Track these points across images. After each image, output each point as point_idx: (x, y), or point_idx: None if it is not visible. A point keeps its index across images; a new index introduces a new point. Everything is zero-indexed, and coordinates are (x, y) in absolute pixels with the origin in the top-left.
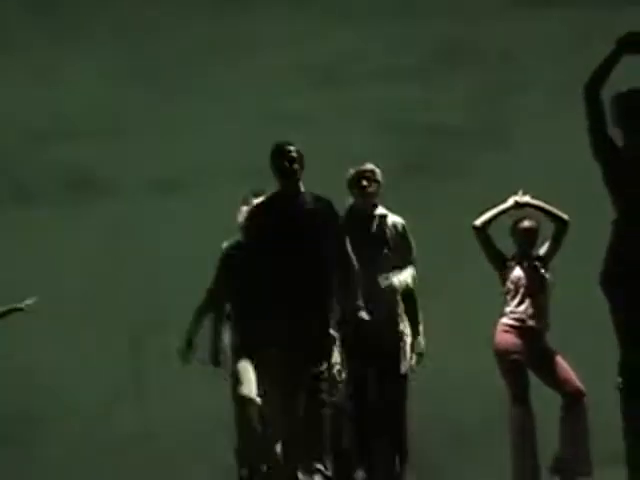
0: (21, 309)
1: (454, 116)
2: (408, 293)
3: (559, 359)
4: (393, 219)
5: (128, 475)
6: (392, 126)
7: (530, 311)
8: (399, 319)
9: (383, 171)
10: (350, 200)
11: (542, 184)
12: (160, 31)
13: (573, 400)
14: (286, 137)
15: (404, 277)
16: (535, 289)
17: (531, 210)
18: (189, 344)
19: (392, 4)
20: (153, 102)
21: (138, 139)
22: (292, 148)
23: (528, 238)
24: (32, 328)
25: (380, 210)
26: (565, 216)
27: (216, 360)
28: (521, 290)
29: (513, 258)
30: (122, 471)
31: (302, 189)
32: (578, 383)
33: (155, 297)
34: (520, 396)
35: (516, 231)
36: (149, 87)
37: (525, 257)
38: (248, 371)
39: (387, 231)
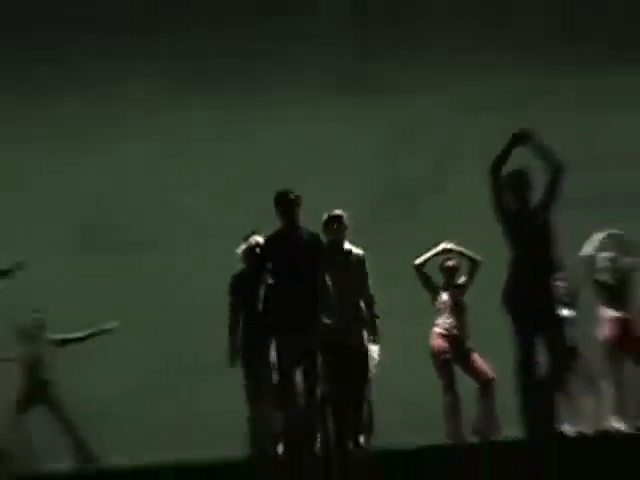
0: (109, 330)
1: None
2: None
3: (476, 356)
4: (356, 252)
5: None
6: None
7: (454, 324)
8: (366, 330)
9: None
10: (325, 237)
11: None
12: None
13: (485, 385)
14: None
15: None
16: (457, 308)
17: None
18: (233, 353)
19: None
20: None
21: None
22: (291, 195)
23: (451, 273)
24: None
25: (347, 245)
26: (477, 258)
27: (233, 363)
28: (447, 309)
29: (441, 286)
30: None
31: (299, 225)
32: (490, 373)
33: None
34: (449, 385)
35: (443, 268)
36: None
37: (449, 286)
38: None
39: (351, 261)
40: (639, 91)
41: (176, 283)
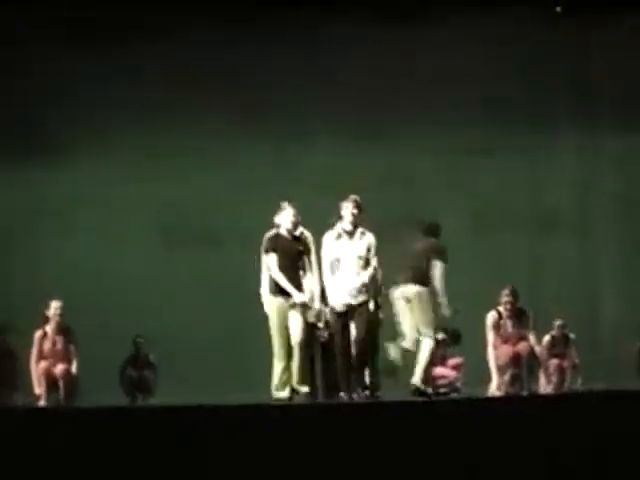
0: None
1: None
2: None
3: None
4: (368, 234)
5: None
6: None
7: None
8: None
9: None
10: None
11: None
12: None
13: None
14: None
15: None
16: None
17: None
18: None
19: None
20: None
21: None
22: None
23: None
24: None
25: (360, 228)
26: None
27: None
28: None
29: None
30: None
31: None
32: None
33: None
34: None
35: None
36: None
37: None
38: None
39: (365, 242)
40: None
41: (230, 270)
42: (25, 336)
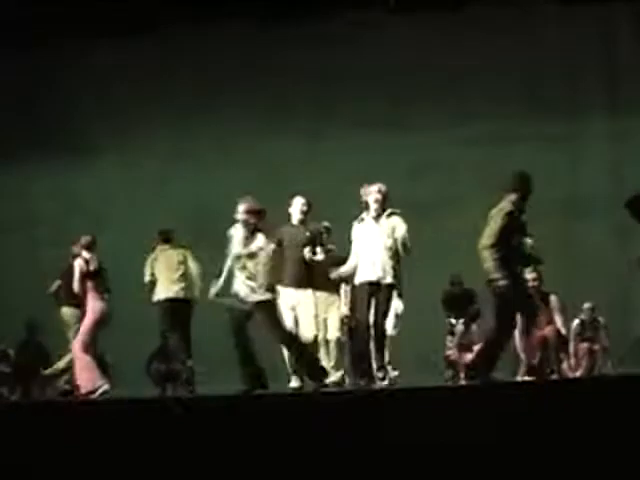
0: None
1: None
2: None
3: None
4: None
5: None
6: None
7: None
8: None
9: None
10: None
11: None
12: None
13: None
14: None
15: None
16: None
17: None
18: None
19: None
20: None
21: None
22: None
23: None
24: None
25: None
26: None
27: None
28: None
29: None
30: None
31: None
32: None
33: None
34: None
35: None
36: None
37: None
38: None
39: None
40: None
41: None
42: (55, 334)
